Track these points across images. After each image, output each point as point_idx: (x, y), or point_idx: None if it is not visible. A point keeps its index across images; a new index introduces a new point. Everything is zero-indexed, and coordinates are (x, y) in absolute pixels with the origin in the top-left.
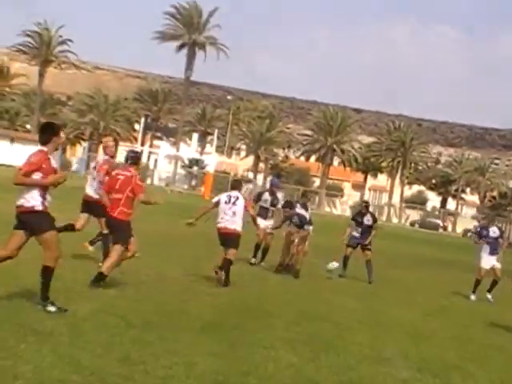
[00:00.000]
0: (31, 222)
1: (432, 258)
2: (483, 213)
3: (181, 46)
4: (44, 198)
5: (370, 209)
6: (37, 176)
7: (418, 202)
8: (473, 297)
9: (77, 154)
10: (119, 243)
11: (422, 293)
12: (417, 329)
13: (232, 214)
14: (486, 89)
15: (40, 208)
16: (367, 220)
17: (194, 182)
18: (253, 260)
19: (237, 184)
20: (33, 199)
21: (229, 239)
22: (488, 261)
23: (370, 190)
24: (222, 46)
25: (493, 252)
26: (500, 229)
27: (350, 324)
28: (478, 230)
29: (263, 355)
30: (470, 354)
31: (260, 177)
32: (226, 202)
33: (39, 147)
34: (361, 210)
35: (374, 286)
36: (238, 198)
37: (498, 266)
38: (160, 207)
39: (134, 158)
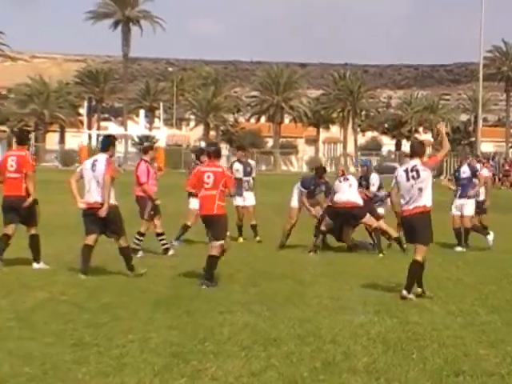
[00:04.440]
0: None
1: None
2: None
3: (115, 24)
4: None
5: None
6: None
7: (373, 148)
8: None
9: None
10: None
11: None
12: (377, 274)
13: None
14: (427, 26)
15: None
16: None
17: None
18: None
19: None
20: None
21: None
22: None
23: (323, 143)
24: (156, 19)
25: (461, 195)
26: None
27: (311, 279)
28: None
29: (219, 320)
30: (429, 291)
31: None
32: None
33: None
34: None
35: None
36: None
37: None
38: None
39: (217, 152)
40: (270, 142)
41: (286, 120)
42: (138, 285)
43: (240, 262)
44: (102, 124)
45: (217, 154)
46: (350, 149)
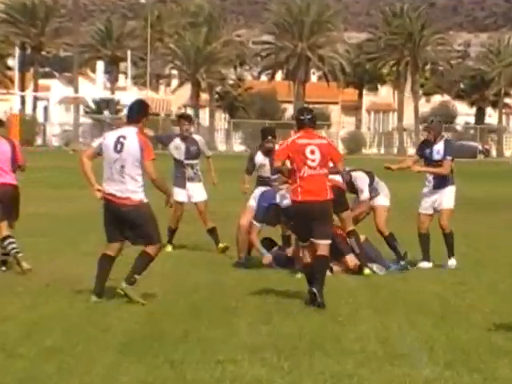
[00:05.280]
0: None
1: (468, 199)
2: None
3: None
4: None
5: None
6: None
7: (441, 119)
8: None
9: None
10: None
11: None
12: (447, 305)
13: None
14: None
15: None
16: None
17: None
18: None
19: None
20: None
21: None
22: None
23: (368, 111)
24: None
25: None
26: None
27: (350, 312)
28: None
29: (216, 374)
30: None
31: (204, 113)
32: None
33: None
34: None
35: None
36: None
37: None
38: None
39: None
40: (290, 110)
41: (314, 77)
42: (97, 319)
43: (245, 288)
44: (42, 82)
45: (313, 123)
46: (409, 120)
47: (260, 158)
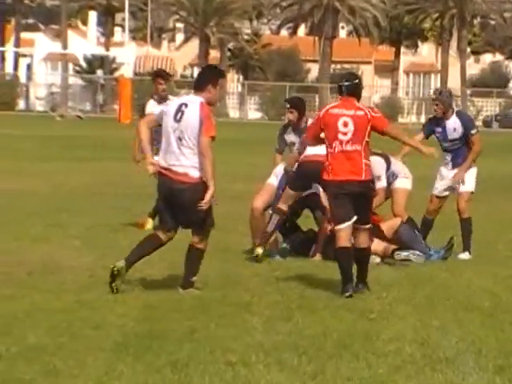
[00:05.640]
0: None
1: None
2: None
3: None
4: None
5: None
6: None
7: (492, 82)
8: None
9: None
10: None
11: (505, 239)
12: (498, 301)
13: None
14: None
15: None
16: None
17: (100, 98)
18: None
19: None
20: None
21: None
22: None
23: (406, 72)
24: None
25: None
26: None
27: (383, 308)
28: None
29: (227, 377)
30: None
31: None
32: None
33: None
34: None
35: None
36: None
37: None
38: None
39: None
40: (315, 71)
41: (343, 33)
42: (88, 314)
43: (261, 279)
44: (24, 36)
45: (354, 89)
46: (454, 83)
47: (289, 135)
